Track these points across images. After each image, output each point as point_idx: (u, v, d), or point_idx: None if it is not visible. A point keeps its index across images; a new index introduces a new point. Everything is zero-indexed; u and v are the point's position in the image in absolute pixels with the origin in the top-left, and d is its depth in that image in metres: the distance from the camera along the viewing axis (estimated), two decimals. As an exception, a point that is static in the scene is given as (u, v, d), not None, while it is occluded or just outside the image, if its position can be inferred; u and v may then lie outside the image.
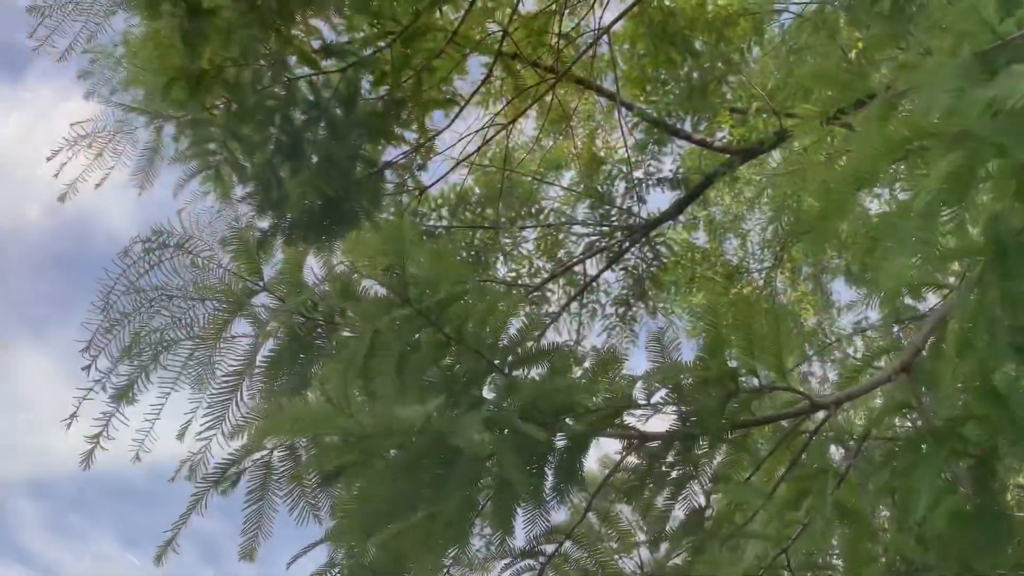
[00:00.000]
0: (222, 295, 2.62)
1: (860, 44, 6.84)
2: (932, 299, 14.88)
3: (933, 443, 1.99)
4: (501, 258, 8.66)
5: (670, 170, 8.10)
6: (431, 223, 7.63)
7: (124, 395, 2.60)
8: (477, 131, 6.28)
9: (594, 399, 1.82)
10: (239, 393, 2.73)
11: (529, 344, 2.46)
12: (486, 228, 7.97)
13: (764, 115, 8.02)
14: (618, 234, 8.12)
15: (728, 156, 7.82)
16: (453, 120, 4.77)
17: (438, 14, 4.41)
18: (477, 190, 8.37)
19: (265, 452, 2.88)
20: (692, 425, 2.12)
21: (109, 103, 4.17)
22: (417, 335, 2.16)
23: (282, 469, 2.90)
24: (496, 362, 2.38)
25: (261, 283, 2.67)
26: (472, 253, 8.10)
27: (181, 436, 2.76)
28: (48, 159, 4.01)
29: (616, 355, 2.28)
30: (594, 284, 8.50)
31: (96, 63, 4.18)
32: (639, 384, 2.03)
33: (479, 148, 5.86)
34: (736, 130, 7.95)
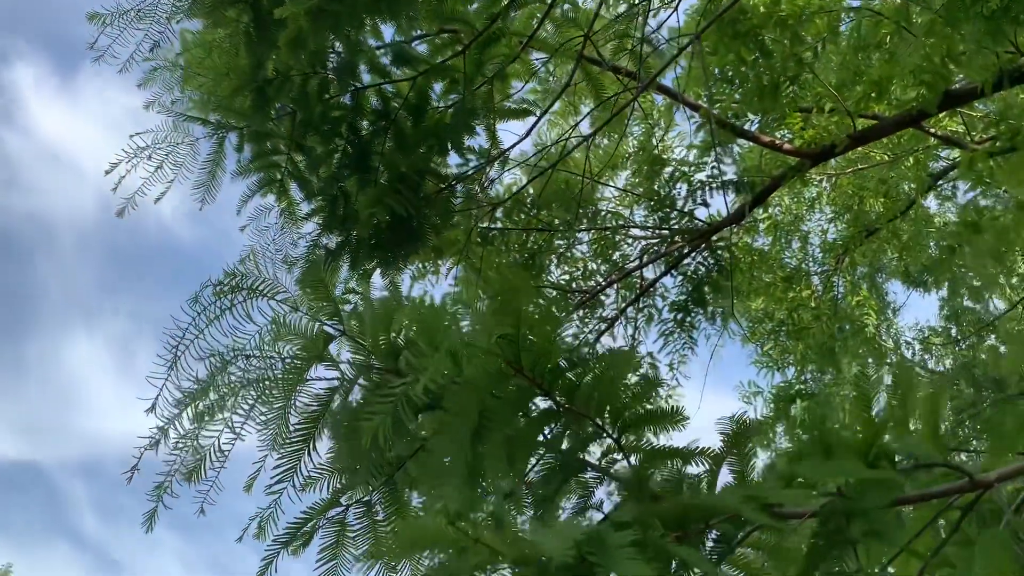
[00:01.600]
0: (299, 340, 2.41)
1: (946, 45, 6.47)
2: (999, 303, 14.30)
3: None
4: (555, 260, 8.42)
5: (735, 173, 7.76)
6: (483, 225, 7.40)
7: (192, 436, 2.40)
8: (555, 142, 6.00)
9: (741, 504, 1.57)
10: (312, 442, 2.53)
11: (640, 408, 2.23)
12: (542, 231, 7.71)
13: (835, 116, 7.67)
14: (678, 238, 7.83)
15: (798, 160, 7.48)
16: (530, 131, 4.51)
17: (512, 17, 4.14)
18: (531, 190, 8.11)
19: (340, 509, 2.69)
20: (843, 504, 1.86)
21: (170, 113, 3.98)
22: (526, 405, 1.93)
23: (358, 526, 2.71)
24: (607, 427, 2.15)
25: (341, 328, 2.45)
26: (526, 256, 7.86)
27: (249, 487, 2.56)
28: (107, 172, 3.82)
29: (747, 426, 2.02)
30: (650, 288, 8.22)
31: (157, 71, 3.97)
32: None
33: (556, 163, 5.56)
34: (807, 132, 7.60)
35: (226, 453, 2.24)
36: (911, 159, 9.86)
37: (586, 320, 8.17)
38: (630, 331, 8.41)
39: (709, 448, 2.31)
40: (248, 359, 2.16)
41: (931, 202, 12.12)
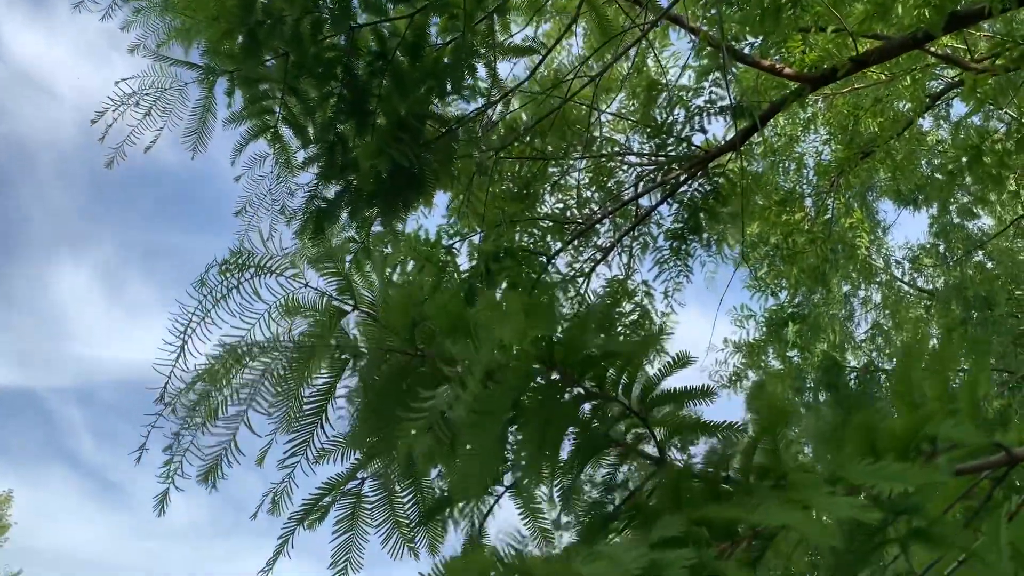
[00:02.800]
0: (311, 315, 2.32)
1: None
2: (985, 219, 14.25)
3: None
4: (548, 189, 8.27)
5: (733, 98, 7.56)
6: (479, 154, 7.22)
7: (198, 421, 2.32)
8: (562, 81, 5.77)
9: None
10: (324, 415, 2.46)
11: (665, 387, 2.16)
12: (536, 159, 7.54)
13: (836, 37, 7.46)
14: (675, 165, 7.68)
15: (798, 84, 7.30)
16: (534, 71, 4.30)
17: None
18: (525, 116, 7.89)
19: (356, 482, 2.65)
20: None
21: (157, 57, 3.76)
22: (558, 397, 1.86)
23: (375, 498, 2.67)
24: (634, 407, 2.09)
25: (352, 303, 2.36)
26: (520, 185, 7.70)
27: (261, 461, 2.50)
28: (93, 122, 3.63)
29: (783, 408, 1.96)
30: (646, 217, 8.11)
31: (141, 13, 3.73)
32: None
33: (551, 88, 5.35)
34: (809, 55, 7.40)
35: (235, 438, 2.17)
36: (908, 78, 9.67)
37: (580, 249, 8.09)
38: (625, 260, 8.35)
39: (736, 423, 2.26)
40: (262, 350, 2.06)
41: (925, 120, 11.95)
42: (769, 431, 1.94)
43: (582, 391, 1.91)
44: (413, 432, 1.71)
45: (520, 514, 2.49)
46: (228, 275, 2.19)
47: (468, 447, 1.68)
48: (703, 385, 2.17)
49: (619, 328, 7.64)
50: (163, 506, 2.38)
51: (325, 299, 2.31)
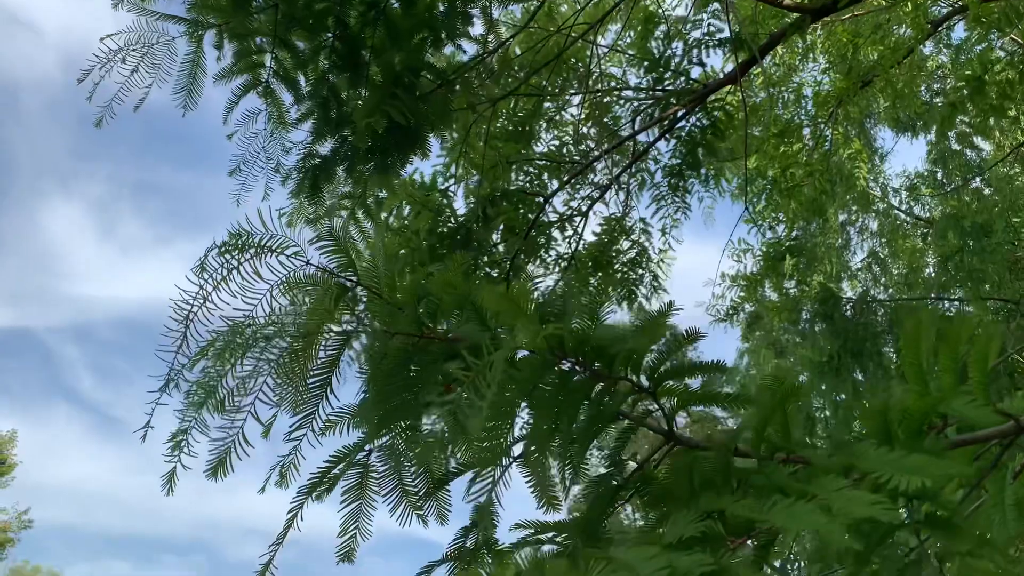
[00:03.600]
0: (314, 292, 2.28)
1: None
2: (984, 145, 14.14)
3: None
4: (544, 126, 8.14)
5: (732, 30, 7.39)
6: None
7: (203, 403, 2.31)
8: (559, 30, 5.59)
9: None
10: (330, 387, 2.44)
11: (673, 361, 2.14)
12: (531, 95, 7.39)
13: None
14: (673, 100, 7.55)
15: (798, 16, 7.13)
16: (533, 16, 4.17)
17: None
18: (518, 50, 7.72)
19: (363, 454, 2.65)
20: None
21: (141, 11, 3.61)
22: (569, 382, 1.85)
23: (382, 468, 2.67)
24: (641, 384, 2.07)
25: (355, 279, 2.32)
26: (515, 124, 7.57)
27: (266, 434, 2.50)
28: (79, 81, 3.52)
29: (793, 388, 1.93)
30: (644, 154, 8.01)
31: (123, -35, 3.58)
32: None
33: (537, 10, 5.18)
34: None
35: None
36: (910, 4, 9.46)
37: (577, 187, 8.00)
38: (622, 198, 8.28)
39: (746, 395, 2.25)
40: (268, 338, 2.03)
41: (926, 46, 11.73)
42: (779, 407, 1.93)
43: (592, 373, 1.89)
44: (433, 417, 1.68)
45: (529, 484, 2.50)
46: (228, 256, 2.14)
47: (485, 427, 1.67)
48: (715, 360, 2.15)
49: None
50: (171, 484, 2.37)
51: (327, 276, 2.27)
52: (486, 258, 7.09)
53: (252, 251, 2.20)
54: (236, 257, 2.18)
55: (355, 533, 2.66)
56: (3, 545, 33.70)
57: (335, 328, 2.24)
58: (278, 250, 2.25)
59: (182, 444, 2.32)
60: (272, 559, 2.47)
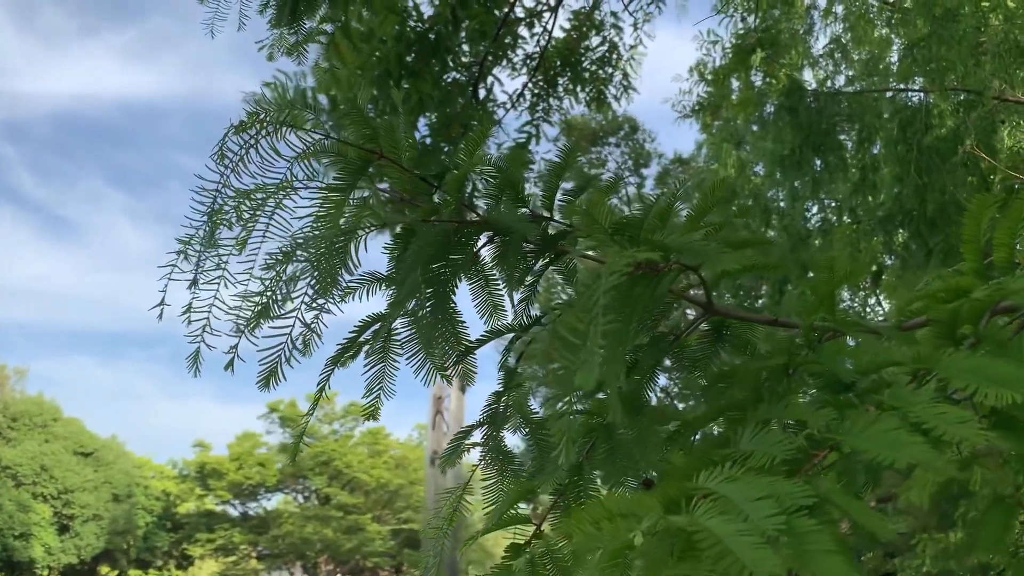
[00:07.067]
0: (338, 162, 2.11)
1: None
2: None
3: None
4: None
5: None
6: None
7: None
8: None
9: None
10: (349, 254, 2.33)
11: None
12: None
13: None
14: None
15: None
16: None
17: None
18: None
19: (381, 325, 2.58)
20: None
21: None
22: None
23: (404, 332, 2.61)
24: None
25: (377, 150, 2.14)
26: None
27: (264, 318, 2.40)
28: None
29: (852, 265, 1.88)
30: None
31: None
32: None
33: None
34: None
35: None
36: None
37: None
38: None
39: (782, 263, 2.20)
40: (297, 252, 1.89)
41: None
42: (832, 287, 1.88)
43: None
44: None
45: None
46: (246, 134, 1.95)
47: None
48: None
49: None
50: (196, 366, 2.27)
51: (351, 149, 2.10)
52: (451, 62, 6.75)
53: (271, 127, 2.01)
54: (255, 136, 1.99)
55: (379, 392, 2.63)
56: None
57: (373, 221, 2.09)
58: (298, 125, 2.06)
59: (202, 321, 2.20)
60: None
